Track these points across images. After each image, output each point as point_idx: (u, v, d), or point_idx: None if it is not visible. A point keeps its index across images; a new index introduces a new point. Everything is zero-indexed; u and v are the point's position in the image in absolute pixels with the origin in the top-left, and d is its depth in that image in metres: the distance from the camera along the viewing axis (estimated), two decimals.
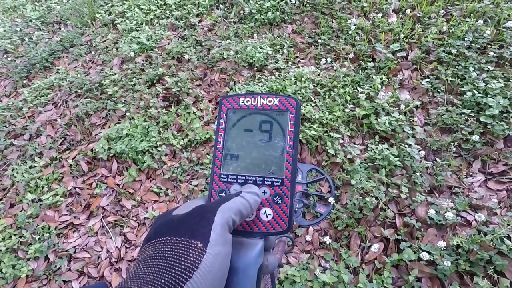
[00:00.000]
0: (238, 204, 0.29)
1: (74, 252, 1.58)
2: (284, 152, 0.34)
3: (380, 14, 2.13)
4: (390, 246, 1.32)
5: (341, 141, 1.65)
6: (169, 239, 0.25)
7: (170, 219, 0.28)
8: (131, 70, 2.29)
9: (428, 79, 1.77)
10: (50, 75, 2.49)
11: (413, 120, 1.65)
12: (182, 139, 1.86)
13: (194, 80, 2.16)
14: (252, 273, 0.29)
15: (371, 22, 2.14)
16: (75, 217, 1.71)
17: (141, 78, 2.20)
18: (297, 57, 2.15)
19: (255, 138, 0.35)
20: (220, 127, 0.36)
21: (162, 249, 0.24)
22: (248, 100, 0.36)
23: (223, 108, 0.37)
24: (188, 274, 0.22)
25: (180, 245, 0.24)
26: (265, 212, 0.33)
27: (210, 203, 0.29)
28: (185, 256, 0.23)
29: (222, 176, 0.35)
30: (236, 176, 0.34)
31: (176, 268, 0.22)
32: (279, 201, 0.33)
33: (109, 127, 2.01)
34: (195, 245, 0.24)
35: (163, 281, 0.21)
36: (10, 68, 2.60)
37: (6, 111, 2.26)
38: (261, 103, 0.36)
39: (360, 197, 1.42)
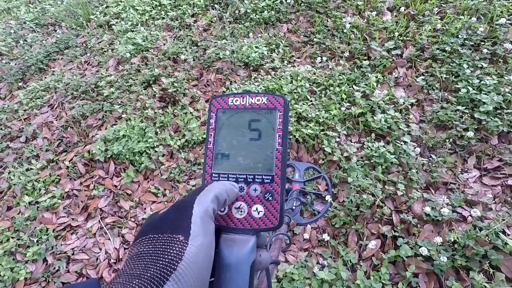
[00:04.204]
0: (214, 190, 0.30)
1: (73, 254, 1.58)
2: (274, 149, 0.34)
3: (374, 13, 2.14)
4: (387, 243, 1.33)
5: (337, 139, 1.66)
6: (152, 236, 0.26)
7: (153, 218, 0.29)
8: (127, 71, 2.28)
9: (423, 77, 1.78)
10: (45, 77, 2.48)
11: (409, 118, 1.66)
12: (179, 139, 1.86)
13: (190, 81, 2.16)
14: (244, 269, 0.30)
15: (365, 20, 2.15)
16: (73, 219, 1.71)
17: (137, 79, 2.20)
18: (293, 56, 2.16)
19: (244, 137, 0.35)
20: (210, 127, 0.37)
21: (146, 247, 0.25)
22: (237, 100, 0.37)
23: (212, 108, 0.37)
24: (172, 266, 0.23)
25: (163, 241, 0.25)
26: (257, 209, 0.33)
27: (187, 196, 0.29)
28: (168, 250, 0.24)
29: (213, 175, 0.35)
30: (227, 174, 0.35)
31: (161, 262, 0.23)
32: (270, 198, 0.33)
33: (106, 128, 2.00)
34: (177, 239, 0.25)
35: (149, 275, 0.22)
36: (5, 71, 2.58)
37: (1, 114, 2.25)
38: (250, 102, 0.36)
39: (357, 195, 1.43)
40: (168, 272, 0.22)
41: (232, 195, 0.32)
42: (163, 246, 0.24)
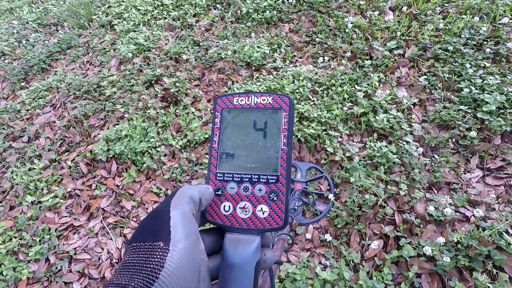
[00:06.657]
0: (187, 192, 0.29)
1: (75, 254, 1.59)
2: (279, 149, 0.34)
3: (376, 12, 2.14)
4: (390, 243, 1.33)
5: (339, 139, 1.65)
6: (135, 245, 0.26)
7: (139, 225, 0.29)
8: (129, 71, 2.29)
9: (425, 76, 1.78)
10: (48, 77, 2.49)
11: (411, 117, 1.65)
12: (181, 139, 1.86)
13: (192, 80, 2.16)
14: (249, 269, 0.30)
15: (368, 20, 2.15)
16: (75, 219, 1.71)
17: (139, 79, 2.20)
18: (295, 56, 2.15)
19: (250, 136, 0.35)
20: (215, 126, 0.37)
21: (131, 256, 0.25)
22: (242, 99, 0.36)
23: (217, 107, 0.37)
24: (155, 275, 0.23)
25: (145, 250, 0.25)
26: (261, 209, 0.33)
27: (161, 203, 0.29)
28: (150, 259, 0.24)
29: (218, 174, 0.35)
30: (232, 174, 0.35)
31: (143, 272, 0.23)
32: (275, 198, 0.33)
33: (108, 128, 2.01)
34: (158, 246, 0.24)
35: (133, 284, 0.22)
36: (7, 71, 2.59)
37: (4, 114, 2.25)
38: (255, 102, 0.36)
39: (359, 195, 1.43)
40: (151, 281, 0.22)
41: (207, 195, 0.32)
42: (146, 255, 0.24)
